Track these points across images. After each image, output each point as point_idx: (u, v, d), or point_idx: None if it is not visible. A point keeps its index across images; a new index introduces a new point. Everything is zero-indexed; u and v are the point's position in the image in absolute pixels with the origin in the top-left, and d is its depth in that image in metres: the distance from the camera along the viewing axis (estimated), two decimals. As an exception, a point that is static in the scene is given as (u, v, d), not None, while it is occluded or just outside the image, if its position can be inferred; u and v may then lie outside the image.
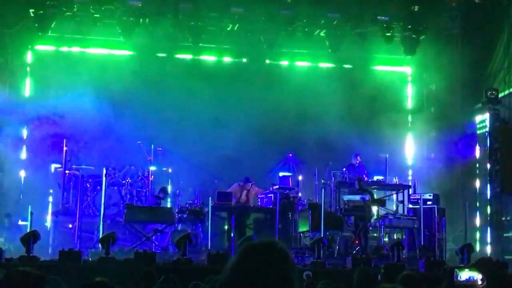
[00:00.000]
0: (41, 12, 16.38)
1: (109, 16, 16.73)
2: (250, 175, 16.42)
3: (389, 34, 17.93)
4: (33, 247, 11.05)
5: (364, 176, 15.81)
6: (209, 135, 16.87)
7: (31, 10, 16.38)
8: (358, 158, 16.46)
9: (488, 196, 15.99)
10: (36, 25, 16.65)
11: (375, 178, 16.04)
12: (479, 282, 6.99)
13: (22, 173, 16.50)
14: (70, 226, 14.64)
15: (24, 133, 16.83)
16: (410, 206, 15.31)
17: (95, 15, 16.62)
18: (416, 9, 17.41)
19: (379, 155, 16.94)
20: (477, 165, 16.72)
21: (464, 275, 7.14)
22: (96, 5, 16.51)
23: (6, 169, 15.38)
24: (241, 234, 14.72)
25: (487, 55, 16.91)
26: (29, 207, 12.48)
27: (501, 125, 15.58)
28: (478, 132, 16.71)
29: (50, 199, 15.91)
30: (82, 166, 15.50)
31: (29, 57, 17.45)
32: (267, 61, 18.80)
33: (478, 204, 16.53)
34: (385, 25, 17.68)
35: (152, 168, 15.83)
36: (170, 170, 16.45)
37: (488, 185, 16.00)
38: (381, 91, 18.22)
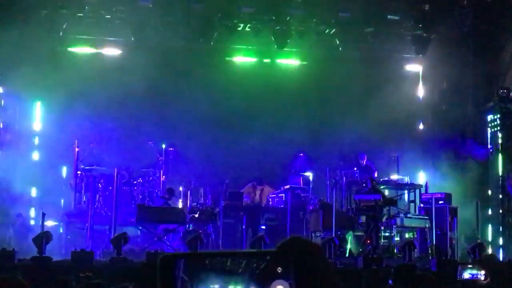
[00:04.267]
0: (52, 13, 16.53)
1: (120, 17, 16.85)
2: (262, 174, 16.53)
3: (400, 32, 17.97)
4: (45, 247, 11.16)
5: (375, 176, 15.82)
6: (221, 135, 16.93)
7: (43, 12, 16.52)
8: (365, 157, 16.50)
9: (500, 196, 15.98)
10: (48, 26, 16.79)
11: (393, 177, 16.09)
12: (482, 278, 7.04)
13: (35, 174, 16.62)
14: (82, 226, 14.74)
15: (36, 134, 16.98)
16: (422, 205, 15.32)
17: (106, 16, 16.73)
18: (426, 8, 17.41)
19: (391, 154, 16.97)
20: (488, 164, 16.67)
21: (468, 272, 7.19)
22: (106, 6, 16.61)
23: (18, 170, 15.50)
24: (253, 234, 14.78)
25: (498, 53, 16.89)
26: (41, 208, 12.63)
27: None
28: (490, 131, 16.66)
29: (63, 198, 15.99)
30: (94, 167, 15.61)
31: (40, 57, 17.52)
32: (278, 61, 18.80)
33: (490, 203, 16.50)
34: (395, 24, 17.71)
35: (164, 168, 15.93)
36: (181, 170, 16.53)
37: (500, 185, 15.98)
38: (392, 90, 18.24)
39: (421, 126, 19.04)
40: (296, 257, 1.45)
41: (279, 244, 1.54)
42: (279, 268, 1.44)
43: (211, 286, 1.44)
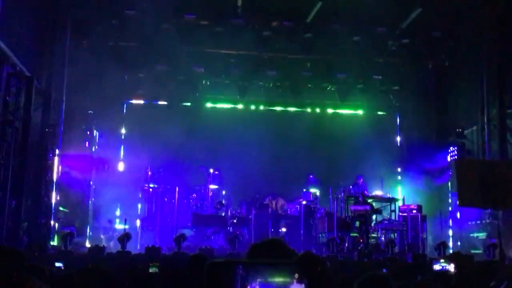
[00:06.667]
0: (132, 77, 16.89)
1: (179, 76, 17.06)
2: (282, 191, 16.57)
3: (383, 88, 18.00)
4: (126, 244, 11.28)
5: (366, 192, 15.75)
6: (253, 163, 17.00)
7: (125, 76, 16.86)
8: (362, 178, 16.42)
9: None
10: (128, 85, 17.16)
11: (378, 193, 15.99)
12: (452, 270, 6.91)
13: (120, 191, 16.82)
14: (153, 228, 14.87)
15: (121, 165, 17.28)
16: (400, 214, 15.17)
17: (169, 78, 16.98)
18: (402, 70, 17.47)
19: (378, 175, 16.86)
20: (450, 184, 16.48)
21: (439, 265, 7.07)
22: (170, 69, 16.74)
23: (109, 189, 15.72)
24: (276, 234, 14.76)
25: (457, 103, 16.80)
26: (124, 215, 12.77)
27: (456, 161, 15.05)
28: (449, 159, 16.50)
29: (139, 208, 16.15)
30: (161, 185, 15.77)
31: (124, 108, 17.88)
32: (293, 109, 18.93)
33: (450, 212, 16.29)
34: (379, 83, 17.76)
35: (211, 186, 16.05)
36: (224, 191, 16.60)
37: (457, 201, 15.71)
38: (377, 130, 18.24)
39: (399, 157, 18.85)
40: (309, 267, 1.54)
41: (297, 258, 1.63)
42: (296, 274, 1.51)
43: (268, 279, 1.48)
